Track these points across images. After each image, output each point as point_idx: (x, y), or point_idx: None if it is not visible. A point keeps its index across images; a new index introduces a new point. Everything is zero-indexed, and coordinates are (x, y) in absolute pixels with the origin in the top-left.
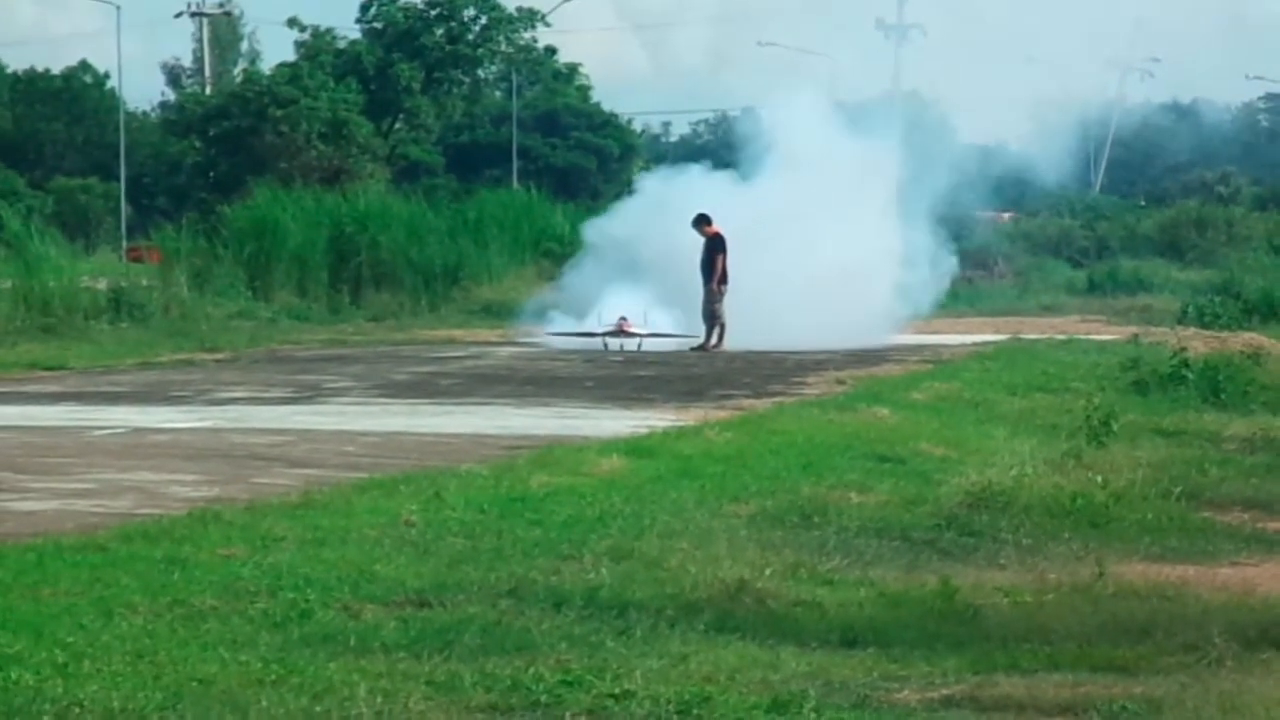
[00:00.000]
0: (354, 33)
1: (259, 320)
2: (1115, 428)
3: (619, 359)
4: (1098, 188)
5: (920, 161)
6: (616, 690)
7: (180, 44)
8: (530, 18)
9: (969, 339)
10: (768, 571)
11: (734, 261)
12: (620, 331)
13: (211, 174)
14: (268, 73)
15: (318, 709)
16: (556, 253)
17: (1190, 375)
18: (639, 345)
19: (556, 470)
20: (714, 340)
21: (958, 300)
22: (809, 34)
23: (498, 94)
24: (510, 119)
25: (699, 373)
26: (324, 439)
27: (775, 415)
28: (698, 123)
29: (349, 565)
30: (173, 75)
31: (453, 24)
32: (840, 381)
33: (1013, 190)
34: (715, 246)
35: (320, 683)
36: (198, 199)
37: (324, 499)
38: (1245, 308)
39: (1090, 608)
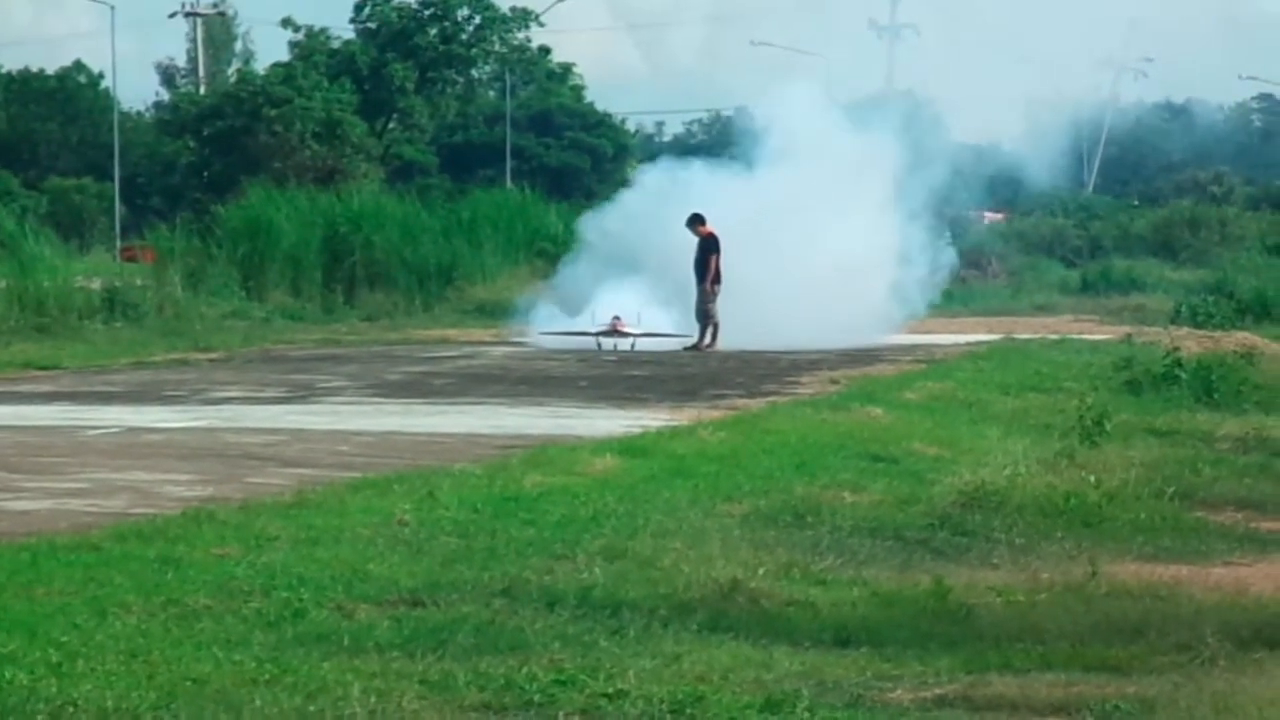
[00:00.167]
0: (348, 33)
1: (253, 320)
2: (1108, 427)
3: (612, 358)
4: (1091, 187)
5: (915, 159)
6: (610, 690)
7: (175, 44)
8: (524, 18)
9: (962, 339)
10: (761, 571)
11: (733, 257)
12: (614, 331)
13: (205, 174)
14: (262, 73)
15: (311, 708)
16: (550, 252)
17: (1183, 375)
18: (632, 345)
19: (550, 470)
20: (707, 340)
21: (951, 300)
22: (802, 34)
23: (491, 94)
24: (504, 119)
25: (692, 372)
26: (318, 439)
27: (769, 415)
28: (691, 122)
29: (343, 565)
30: (167, 75)
31: (446, 24)
32: (834, 381)
33: (1006, 190)
34: (709, 247)
35: (314, 682)
36: (192, 199)
37: (318, 498)
38: (1238, 307)
39: (1083, 607)
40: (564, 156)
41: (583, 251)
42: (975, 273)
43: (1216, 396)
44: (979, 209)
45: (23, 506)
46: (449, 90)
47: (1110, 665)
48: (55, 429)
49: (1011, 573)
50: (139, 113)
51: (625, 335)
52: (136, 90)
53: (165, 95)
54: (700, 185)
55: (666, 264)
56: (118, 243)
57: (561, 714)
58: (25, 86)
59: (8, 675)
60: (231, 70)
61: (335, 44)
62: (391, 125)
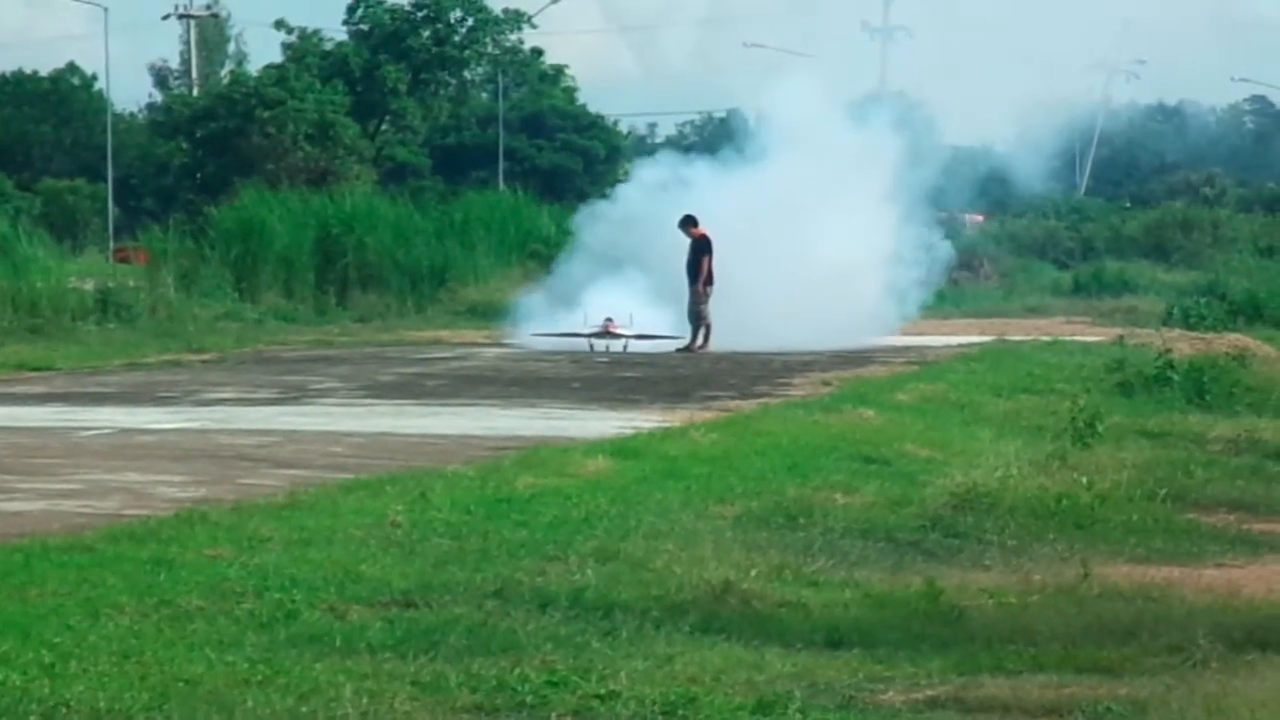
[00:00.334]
0: (340, 34)
1: (246, 321)
2: (1100, 429)
3: (605, 360)
4: (1083, 189)
5: (908, 160)
6: (602, 691)
7: (167, 46)
8: (516, 19)
9: (954, 340)
10: (753, 572)
11: (730, 257)
12: (606, 332)
13: (198, 175)
14: (254, 74)
15: (303, 709)
16: (543, 254)
17: (1175, 377)
18: (625, 346)
19: (542, 471)
20: (699, 341)
21: (943, 301)
22: (795, 35)
23: (484, 95)
24: (496, 120)
25: (685, 374)
26: (310, 440)
27: (761, 416)
28: (684, 124)
29: (335, 566)
30: (160, 77)
31: (439, 26)
32: (826, 383)
33: (998, 192)
34: (701, 248)
35: (306, 683)
36: (185, 200)
37: (310, 500)
38: (1230, 309)
39: (1075, 609)
40: (556, 158)
41: (577, 250)
42: (967, 274)
43: (1208, 398)
44: (961, 211)
45: (16, 507)
46: (441, 92)
47: (1102, 667)
48: (48, 430)
49: (1003, 574)
50: (132, 114)
51: (617, 337)
52: (130, 92)
53: (158, 97)
54: (698, 182)
55: (662, 262)
56: (111, 244)
57: (554, 715)
58: (19, 88)
59: (1, 676)
60: (224, 72)
61: (328, 46)
62: (384, 127)
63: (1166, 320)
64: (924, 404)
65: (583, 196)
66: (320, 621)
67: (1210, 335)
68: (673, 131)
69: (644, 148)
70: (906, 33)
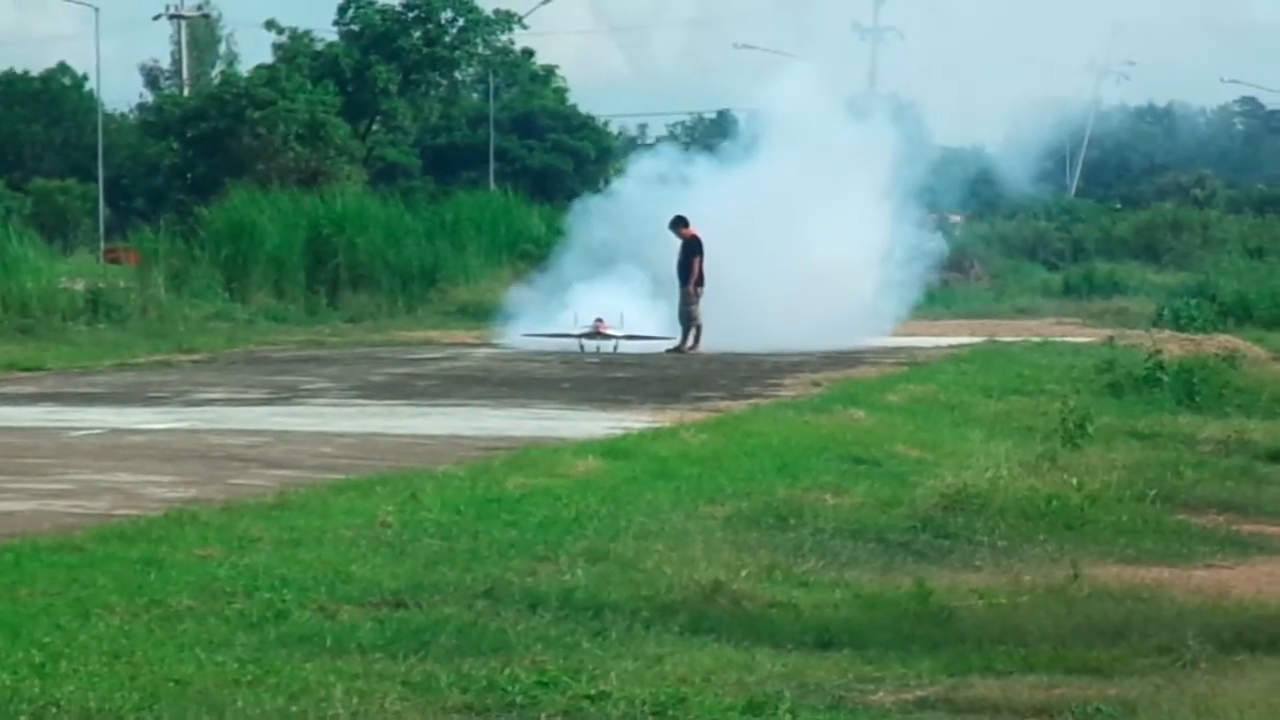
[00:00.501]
0: (331, 35)
1: (236, 321)
2: (1090, 430)
3: (595, 360)
4: (1073, 190)
5: (900, 159)
6: (592, 691)
7: (158, 46)
8: (507, 20)
9: (944, 341)
10: (743, 573)
11: (724, 252)
12: (596, 333)
13: (189, 175)
14: (245, 75)
15: (294, 709)
16: (533, 254)
17: (1165, 378)
18: (615, 347)
19: (532, 471)
20: (690, 342)
21: (933, 302)
22: (785, 36)
23: (475, 96)
24: (487, 121)
25: (675, 374)
26: (301, 440)
27: (751, 417)
28: (674, 125)
29: (325, 566)
30: (151, 77)
31: (430, 26)
32: (816, 384)
33: (988, 193)
34: (692, 249)
35: (296, 683)
36: (175, 200)
37: (300, 500)
38: (1220, 310)
39: (1065, 610)
40: (547, 159)
41: (570, 247)
42: (958, 275)
43: (1198, 399)
44: (942, 213)
45: (6, 507)
46: (432, 92)
47: (1092, 667)
48: (39, 430)
49: (993, 575)
50: (123, 114)
51: (608, 337)
52: (120, 92)
53: (149, 97)
54: (695, 179)
55: (657, 259)
56: (101, 244)
57: (544, 715)
58: (9, 88)
59: None
60: (215, 72)
61: (319, 46)
62: (375, 127)
63: (1156, 321)
64: (914, 405)
65: (573, 197)
66: (310, 621)
67: (1200, 336)
68: (663, 132)
69: (635, 148)
70: (897, 34)
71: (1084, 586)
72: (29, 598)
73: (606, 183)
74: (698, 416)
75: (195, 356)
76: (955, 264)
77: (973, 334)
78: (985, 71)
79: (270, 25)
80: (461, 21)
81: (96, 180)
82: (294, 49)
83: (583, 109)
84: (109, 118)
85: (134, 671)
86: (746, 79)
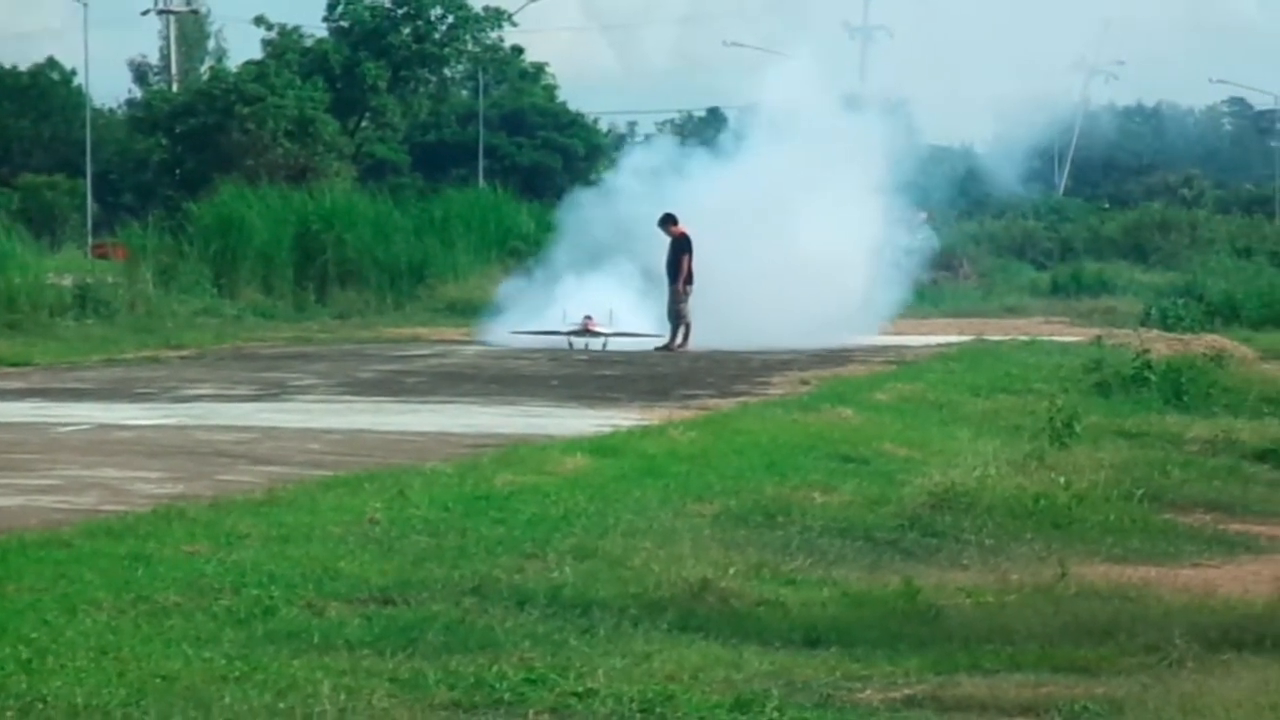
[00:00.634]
0: (321, 31)
1: (224, 318)
2: (1078, 429)
3: (584, 358)
4: (1062, 190)
5: (890, 157)
6: (579, 689)
7: (147, 42)
8: (497, 17)
9: (933, 340)
10: (731, 571)
11: (715, 247)
12: (585, 330)
13: (178, 171)
14: (234, 70)
15: (281, 706)
16: (522, 251)
17: (1153, 377)
18: (604, 344)
19: (521, 469)
20: (678, 340)
21: (922, 301)
22: (775, 34)
23: (464, 93)
24: (476, 118)
25: (664, 372)
26: (289, 436)
27: (739, 415)
28: (664, 123)
29: (313, 562)
30: (140, 73)
31: (419, 23)
32: (804, 382)
33: (977, 191)
34: (681, 247)
35: (284, 680)
36: (164, 196)
37: (288, 496)
38: (1208, 310)
39: (1052, 608)
40: (536, 156)
41: (560, 242)
42: (946, 274)
43: (1186, 399)
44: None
45: None
46: (421, 89)
47: (1079, 666)
48: (26, 426)
49: (981, 574)
50: (111, 110)
51: (597, 335)
52: (109, 87)
53: (138, 93)
54: (688, 173)
55: (648, 253)
56: (89, 240)
57: (531, 712)
58: None
59: None
60: (204, 68)
61: (308, 42)
62: (364, 124)
63: (1144, 321)
64: (902, 403)
65: (562, 194)
66: (298, 618)
67: (1188, 336)
68: (653, 130)
69: (626, 144)
70: (886, 32)
71: (1071, 585)
72: (16, 593)
73: (596, 180)
74: (686, 414)
75: (183, 352)
76: (944, 263)
77: (961, 333)
78: (974, 70)
79: (259, 21)
80: (451, 18)
81: (85, 175)
82: (283, 45)
83: (572, 106)
84: (97, 113)
85: (121, 667)
86: (736, 77)
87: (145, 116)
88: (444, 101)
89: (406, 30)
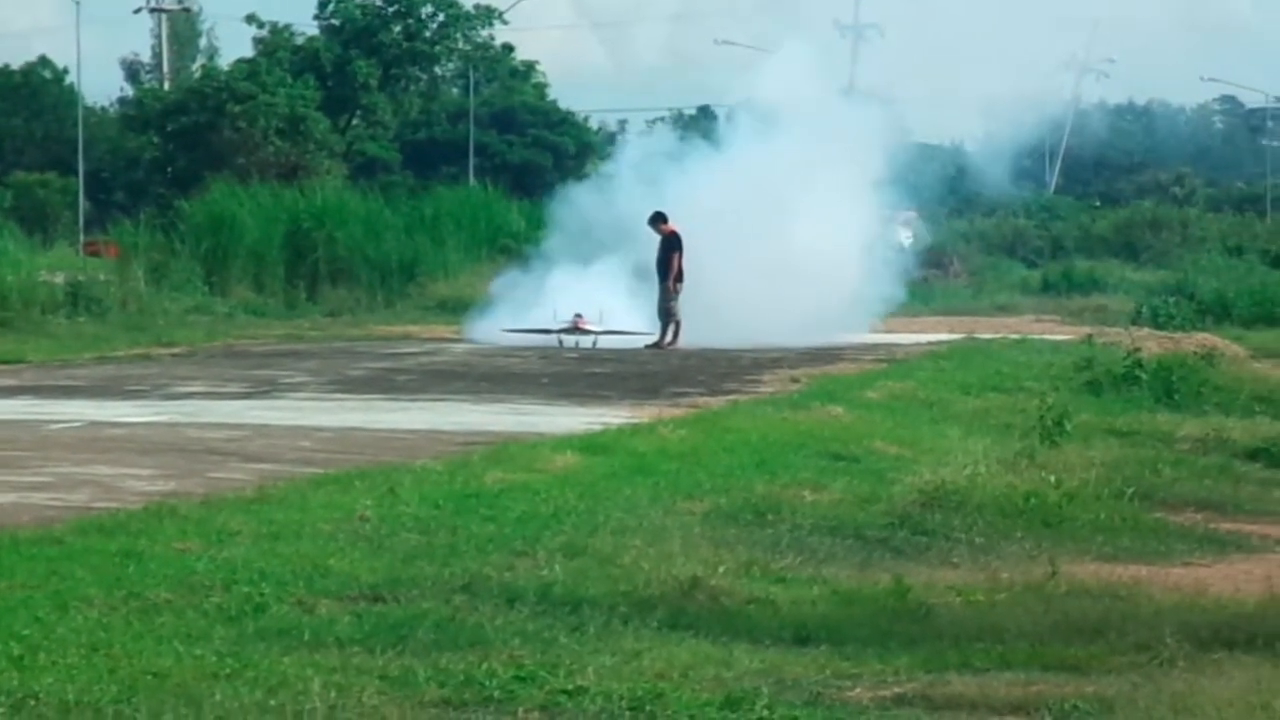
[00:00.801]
0: (312, 29)
1: (216, 315)
2: (1069, 427)
3: (574, 356)
4: (1053, 188)
5: (881, 154)
6: (569, 686)
7: (139, 40)
8: (488, 15)
9: (923, 338)
10: (721, 569)
11: (708, 244)
12: (575, 328)
13: (169, 169)
14: (226, 69)
15: (272, 703)
16: (512, 249)
17: (1144, 376)
18: (594, 342)
19: (511, 466)
20: (669, 338)
21: (913, 299)
22: (765, 33)
23: (455, 91)
24: (467, 116)
25: (654, 370)
26: (279, 434)
27: (730, 413)
28: (654, 121)
29: (304, 560)
30: (131, 71)
31: (410, 21)
32: (795, 380)
33: (967, 189)
34: (671, 245)
35: (274, 676)
36: (155, 194)
37: (279, 494)
38: (1199, 308)
39: (1042, 607)
40: (526, 154)
41: (551, 238)
42: (937, 272)
43: (1177, 397)
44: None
45: None
46: (412, 87)
47: (1069, 665)
48: (18, 423)
49: (971, 572)
50: (103, 108)
51: (587, 333)
52: (101, 85)
53: (130, 91)
54: (683, 167)
55: (640, 248)
56: (81, 237)
57: (521, 710)
58: None
59: None
60: (196, 66)
61: (299, 40)
62: (355, 122)
63: (1135, 319)
64: (893, 402)
65: (552, 192)
66: (288, 615)
67: (1179, 334)
68: (643, 128)
69: (614, 144)
70: (877, 31)
71: (1062, 584)
72: (7, 590)
73: (590, 174)
74: (676, 412)
75: (174, 350)
76: (934, 261)
77: (951, 331)
78: (965, 68)
79: (251, 19)
80: (442, 17)
81: (77, 173)
82: (274, 43)
83: (563, 104)
84: (89, 111)
85: (112, 664)
86: (727, 75)
87: (137, 114)
88: (435, 99)
89: (397, 28)
